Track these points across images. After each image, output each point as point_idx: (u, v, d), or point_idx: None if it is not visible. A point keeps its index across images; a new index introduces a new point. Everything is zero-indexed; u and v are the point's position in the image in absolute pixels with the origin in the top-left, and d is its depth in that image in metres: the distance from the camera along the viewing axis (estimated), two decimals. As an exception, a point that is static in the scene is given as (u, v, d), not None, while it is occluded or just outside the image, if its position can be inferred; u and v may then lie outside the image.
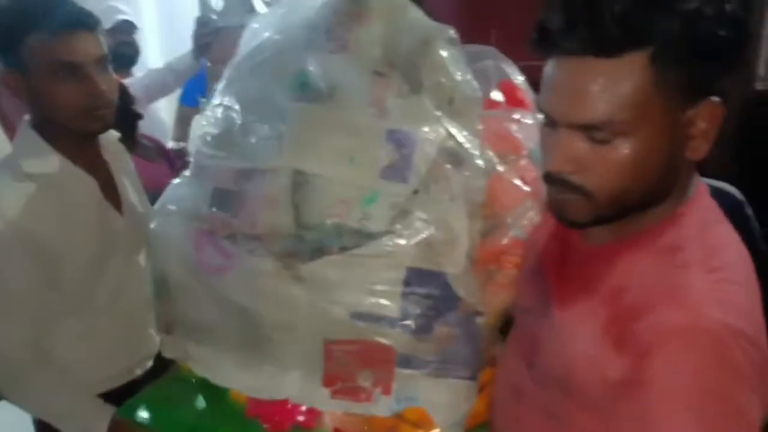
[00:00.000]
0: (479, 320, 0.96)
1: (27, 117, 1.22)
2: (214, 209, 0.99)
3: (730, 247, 0.71)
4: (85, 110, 1.15)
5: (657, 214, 0.73)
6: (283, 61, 1.01)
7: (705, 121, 0.67)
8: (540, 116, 0.74)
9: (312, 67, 0.97)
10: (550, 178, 0.73)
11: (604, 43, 0.64)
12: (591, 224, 0.74)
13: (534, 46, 0.70)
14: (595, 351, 0.71)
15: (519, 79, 1.02)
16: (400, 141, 0.92)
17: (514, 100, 0.99)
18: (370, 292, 0.91)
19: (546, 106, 0.71)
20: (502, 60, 1.03)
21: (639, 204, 0.71)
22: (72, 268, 1.18)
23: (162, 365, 1.20)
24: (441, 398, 0.93)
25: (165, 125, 2.60)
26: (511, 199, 0.96)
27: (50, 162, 1.18)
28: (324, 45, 0.98)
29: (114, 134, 1.34)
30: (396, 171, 0.92)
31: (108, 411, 1.16)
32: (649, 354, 0.64)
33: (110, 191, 1.27)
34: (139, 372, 1.32)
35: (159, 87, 2.35)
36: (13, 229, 1.11)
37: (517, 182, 0.96)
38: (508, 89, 1.00)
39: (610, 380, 0.68)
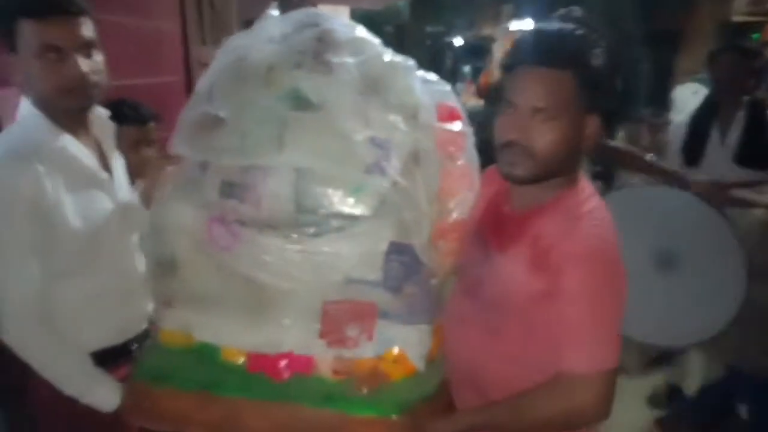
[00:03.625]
0: (434, 281, 1.28)
1: (27, 97, 1.32)
2: (223, 198, 1.19)
3: (601, 209, 1.15)
4: (64, 90, 1.27)
5: (558, 190, 1.15)
6: (276, 77, 1.24)
7: (591, 129, 1.11)
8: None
9: (305, 85, 1.21)
10: (508, 144, 1.11)
11: (551, 61, 1.07)
12: (530, 180, 1.12)
13: (509, 61, 1.14)
14: (523, 276, 1.10)
15: (453, 100, 1.36)
16: (380, 145, 1.20)
17: (452, 116, 1.32)
18: (361, 262, 1.19)
19: (513, 95, 1.11)
20: (441, 84, 1.37)
21: (558, 168, 1.13)
22: (73, 235, 1.28)
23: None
24: (412, 339, 1.23)
25: None
26: (455, 189, 1.29)
27: (51, 134, 1.30)
28: (313, 67, 1.23)
29: (103, 111, 1.46)
30: (378, 167, 1.20)
31: (105, 378, 1.30)
32: (559, 272, 1.05)
33: (101, 162, 1.40)
34: (130, 334, 1.43)
35: None
36: (17, 195, 1.21)
37: (458, 176, 1.30)
38: (446, 109, 1.33)
39: (534, 293, 1.08)
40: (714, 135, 2.60)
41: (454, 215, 1.30)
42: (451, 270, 1.31)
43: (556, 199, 1.14)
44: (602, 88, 1.10)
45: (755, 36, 6.33)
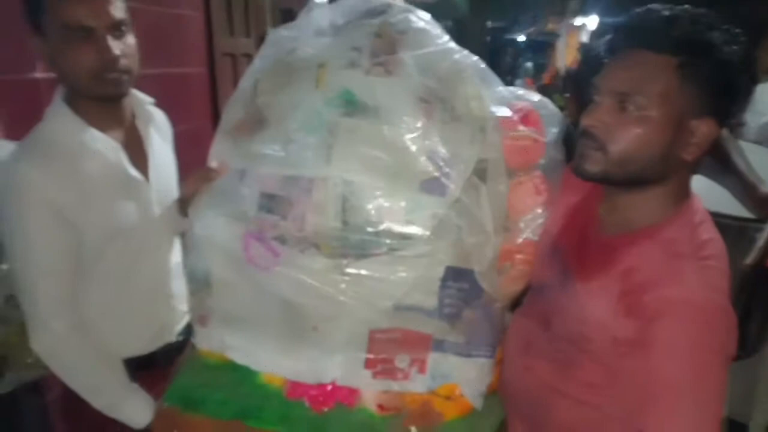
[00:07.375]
0: (497, 306, 1.13)
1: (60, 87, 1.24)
2: (262, 213, 1.08)
3: (714, 242, 0.95)
4: (95, 75, 1.17)
5: (658, 214, 0.96)
6: (327, 77, 1.10)
7: (703, 134, 0.91)
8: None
9: (358, 87, 1.07)
10: (582, 133, 0.96)
11: (651, 42, 0.90)
12: (600, 178, 0.97)
13: (610, 44, 0.98)
14: (607, 316, 0.93)
15: (530, 99, 1.18)
16: (440, 161, 1.05)
17: (528, 121, 1.15)
18: (413, 288, 1.05)
19: (598, 79, 0.96)
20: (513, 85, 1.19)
21: (641, 174, 0.94)
22: (94, 235, 1.21)
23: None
24: (470, 375, 1.10)
25: None
26: (525, 206, 1.13)
27: (75, 130, 1.21)
28: (368, 67, 1.08)
29: (147, 99, 1.36)
30: (436, 186, 1.05)
31: (137, 392, 1.24)
32: (654, 320, 0.87)
33: (139, 158, 1.30)
34: (158, 344, 1.37)
35: None
36: (39, 196, 1.14)
37: (531, 191, 1.13)
38: (521, 111, 1.16)
39: (620, 339, 0.90)
40: None
41: (525, 235, 1.14)
42: (515, 295, 1.16)
43: (656, 226, 0.95)
44: (721, 85, 0.89)
45: None
